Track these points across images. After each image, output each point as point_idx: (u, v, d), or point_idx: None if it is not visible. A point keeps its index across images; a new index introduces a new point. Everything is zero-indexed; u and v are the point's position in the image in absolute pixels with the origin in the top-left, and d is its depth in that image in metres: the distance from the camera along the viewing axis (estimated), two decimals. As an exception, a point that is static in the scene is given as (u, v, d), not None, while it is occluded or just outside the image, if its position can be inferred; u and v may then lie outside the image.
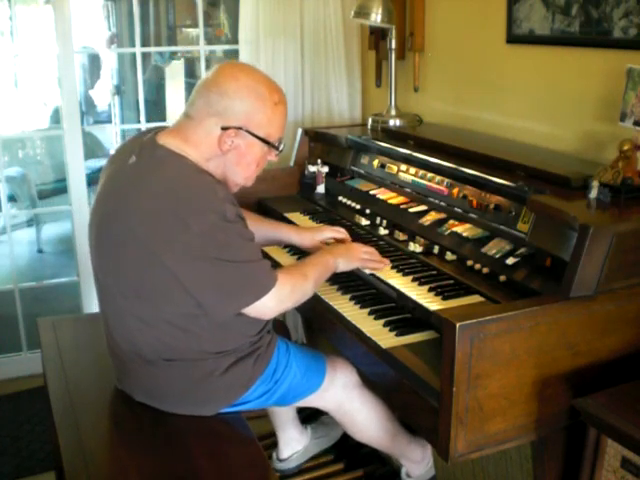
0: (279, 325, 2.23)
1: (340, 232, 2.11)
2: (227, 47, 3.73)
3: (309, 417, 2.55)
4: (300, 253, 2.20)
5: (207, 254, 1.58)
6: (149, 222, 1.60)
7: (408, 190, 2.33)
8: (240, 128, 1.69)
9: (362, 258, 1.94)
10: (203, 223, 1.56)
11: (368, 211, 2.39)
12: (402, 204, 2.30)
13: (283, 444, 2.36)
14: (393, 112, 2.83)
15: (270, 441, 2.46)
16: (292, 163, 2.89)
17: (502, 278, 1.78)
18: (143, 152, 1.69)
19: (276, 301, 1.69)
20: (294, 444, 2.38)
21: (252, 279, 1.65)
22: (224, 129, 1.67)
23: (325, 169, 2.71)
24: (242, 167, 1.75)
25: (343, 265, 1.92)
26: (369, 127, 2.86)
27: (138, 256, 1.62)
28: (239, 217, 1.65)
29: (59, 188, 5.10)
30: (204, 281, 1.60)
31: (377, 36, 3.07)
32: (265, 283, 1.67)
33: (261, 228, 2.13)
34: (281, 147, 1.81)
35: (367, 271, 1.97)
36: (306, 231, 2.14)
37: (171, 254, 1.58)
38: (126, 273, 1.66)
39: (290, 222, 2.44)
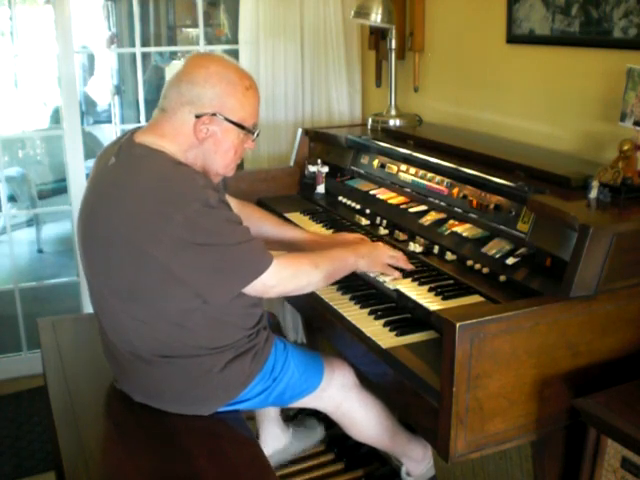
0: (272, 322, 2.23)
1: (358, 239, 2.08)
2: (227, 47, 3.72)
3: (293, 418, 2.56)
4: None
5: (195, 241, 1.58)
6: (133, 220, 1.60)
7: (408, 190, 2.33)
8: (214, 114, 1.69)
9: (385, 264, 1.92)
10: (186, 212, 1.57)
11: (368, 211, 2.38)
12: (402, 204, 2.30)
13: (264, 441, 2.36)
14: (393, 112, 2.83)
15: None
16: (292, 163, 2.89)
17: (502, 278, 1.78)
18: (121, 152, 1.71)
19: (276, 281, 1.69)
20: (275, 442, 2.37)
21: (246, 259, 1.65)
22: (198, 117, 1.69)
23: (325, 169, 2.71)
24: (220, 155, 1.75)
25: (365, 266, 1.90)
26: (369, 127, 2.86)
27: (127, 256, 1.62)
28: (222, 202, 1.66)
29: (59, 188, 5.11)
30: (197, 268, 1.61)
31: (377, 36, 3.07)
32: (260, 261, 1.66)
33: (277, 230, 2.12)
34: (257, 132, 1.81)
35: (390, 286, 1.91)
36: (322, 239, 2.12)
37: (160, 248, 1.58)
38: (117, 274, 1.66)
39: (290, 222, 2.44)
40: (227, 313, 1.72)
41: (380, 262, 1.91)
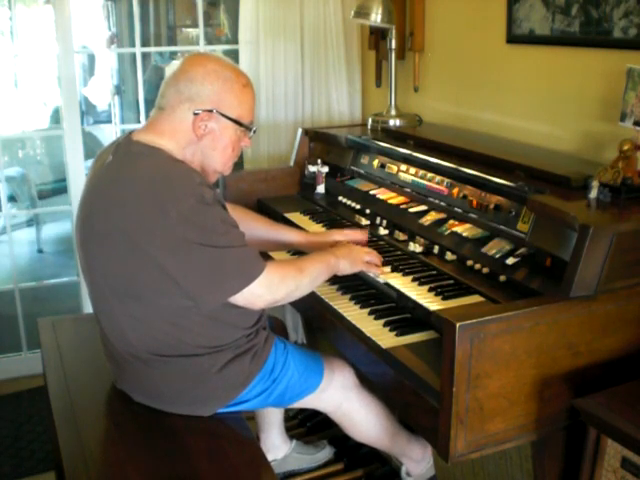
0: (277, 325, 2.23)
1: (347, 235, 2.09)
2: (227, 47, 3.73)
3: (293, 418, 2.53)
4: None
5: (190, 239, 1.57)
6: (130, 216, 1.61)
7: (408, 190, 2.33)
8: (212, 111, 1.71)
9: (365, 261, 1.93)
10: (182, 208, 1.57)
11: (368, 211, 2.38)
12: (402, 204, 2.30)
13: (264, 448, 2.31)
14: (393, 112, 2.83)
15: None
16: (292, 163, 2.89)
17: (502, 278, 1.78)
18: (119, 151, 1.72)
19: (265, 289, 1.68)
20: (275, 450, 2.35)
21: (238, 265, 1.64)
22: (196, 114, 1.70)
23: (325, 169, 2.71)
24: (218, 152, 1.76)
25: (346, 267, 1.90)
26: (369, 127, 2.86)
27: (124, 252, 1.62)
28: (218, 201, 1.66)
29: (59, 188, 5.11)
30: (189, 268, 1.60)
31: (377, 36, 3.07)
32: (252, 269, 1.66)
33: (270, 231, 2.13)
34: (253, 129, 1.82)
35: (381, 280, 1.94)
36: (315, 237, 2.13)
37: (155, 244, 1.58)
38: (115, 271, 1.66)
39: (290, 222, 2.44)
40: (224, 312, 1.71)
41: (360, 260, 1.93)
